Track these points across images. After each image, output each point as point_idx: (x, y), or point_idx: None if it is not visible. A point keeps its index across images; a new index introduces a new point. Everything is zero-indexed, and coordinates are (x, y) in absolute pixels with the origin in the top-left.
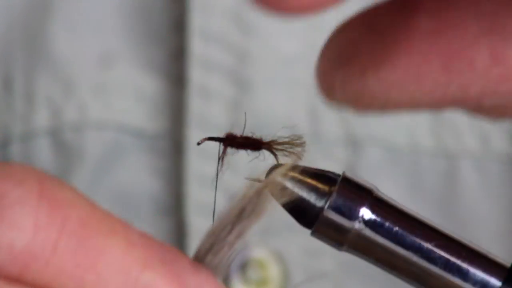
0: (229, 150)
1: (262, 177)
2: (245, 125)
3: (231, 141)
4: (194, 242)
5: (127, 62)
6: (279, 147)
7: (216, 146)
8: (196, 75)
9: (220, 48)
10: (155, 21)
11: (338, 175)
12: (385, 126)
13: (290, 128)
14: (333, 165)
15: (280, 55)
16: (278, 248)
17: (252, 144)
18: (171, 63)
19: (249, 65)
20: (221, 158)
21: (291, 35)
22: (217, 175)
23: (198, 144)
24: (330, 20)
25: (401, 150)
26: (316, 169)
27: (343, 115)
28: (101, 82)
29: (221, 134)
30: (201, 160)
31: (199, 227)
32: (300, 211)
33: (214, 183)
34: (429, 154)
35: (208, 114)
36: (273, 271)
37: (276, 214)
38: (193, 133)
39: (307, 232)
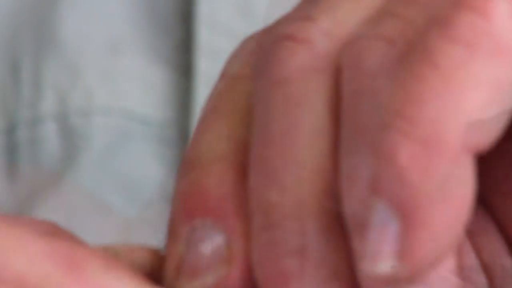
0: None
1: None
2: None
3: None
4: None
5: (134, 51)
6: None
7: None
8: (203, 64)
9: (227, 38)
10: (162, 11)
11: None
12: None
13: None
14: None
15: None
16: None
17: None
18: (178, 53)
19: None
20: None
21: None
22: None
23: None
24: None
25: None
26: None
27: None
28: (109, 68)
29: None
30: None
31: None
32: None
33: None
34: None
35: None
36: None
37: None
38: None
39: None
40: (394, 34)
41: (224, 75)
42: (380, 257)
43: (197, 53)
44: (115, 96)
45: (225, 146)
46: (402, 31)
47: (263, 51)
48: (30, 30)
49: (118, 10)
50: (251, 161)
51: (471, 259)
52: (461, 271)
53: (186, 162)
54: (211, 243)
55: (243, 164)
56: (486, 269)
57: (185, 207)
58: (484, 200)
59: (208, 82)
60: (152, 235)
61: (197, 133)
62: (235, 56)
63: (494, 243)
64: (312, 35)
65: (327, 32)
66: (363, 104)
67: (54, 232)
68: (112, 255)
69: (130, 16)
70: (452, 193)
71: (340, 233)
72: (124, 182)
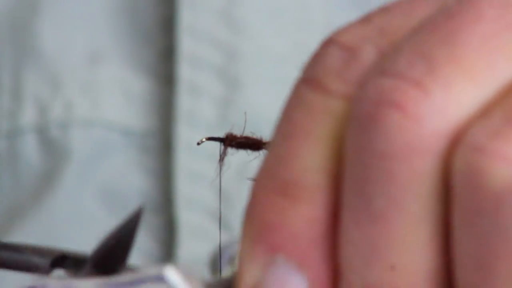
0: (229, 150)
1: None
2: (245, 125)
3: (231, 141)
4: (185, 238)
5: (116, 60)
6: None
7: (206, 144)
8: (185, 72)
9: (209, 46)
10: (144, 20)
11: None
12: None
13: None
14: None
15: (269, 54)
16: None
17: (253, 144)
18: (159, 62)
19: (238, 63)
20: (221, 158)
21: (280, 34)
22: (220, 176)
23: (198, 144)
24: (318, 20)
25: None
26: None
27: None
28: (89, 79)
29: (210, 131)
30: (190, 156)
31: (189, 222)
32: None
33: (213, 182)
34: None
35: (197, 111)
36: None
37: None
38: (182, 130)
39: None
40: None
41: (315, 85)
42: None
43: (179, 61)
44: (95, 107)
45: (319, 178)
46: None
47: (364, 111)
48: (10, 41)
49: (100, 20)
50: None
51: None
52: None
53: (273, 178)
54: (291, 285)
55: (336, 204)
56: None
57: (270, 238)
58: None
59: (190, 90)
60: (135, 246)
61: (288, 148)
62: (319, 63)
63: None
64: (424, 111)
65: (441, 109)
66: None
67: None
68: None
69: (112, 26)
70: None
71: None
72: (106, 192)
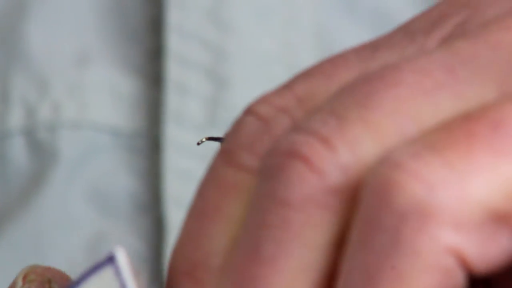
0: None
1: None
2: None
3: None
4: (174, 237)
5: (104, 61)
6: None
7: (194, 142)
8: (173, 72)
9: (197, 46)
10: (132, 20)
11: None
12: None
13: None
14: None
15: (257, 53)
16: None
17: None
18: (147, 62)
19: (226, 63)
20: None
21: (268, 33)
22: None
23: (198, 144)
24: (306, 20)
25: None
26: None
27: None
28: (77, 80)
29: (198, 131)
30: (179, 156)
31: (178, 222)
32: None
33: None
34: None
35: (185, 111)
36: None
37: None
38: (171, 130)
39: None
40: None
41: (227, 159)
42: None
43: (167, 61)
44: (83, 109)
45: (219, 262)
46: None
47: (272, 161)
48: None
49: (87, 20)
50: (230, 269)
51: None
52: None
53: (183, 259)
54: None
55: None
56: None
57: None
58: None
59: (178, 89)
60: (122, 246)
61: (198, 227)
62: (236, 134)
63: None
64: (327, 166)
65: (344, 166)
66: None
67: None
68: None
69: (99, 26)
70: None
71: None
72: (94, 194)
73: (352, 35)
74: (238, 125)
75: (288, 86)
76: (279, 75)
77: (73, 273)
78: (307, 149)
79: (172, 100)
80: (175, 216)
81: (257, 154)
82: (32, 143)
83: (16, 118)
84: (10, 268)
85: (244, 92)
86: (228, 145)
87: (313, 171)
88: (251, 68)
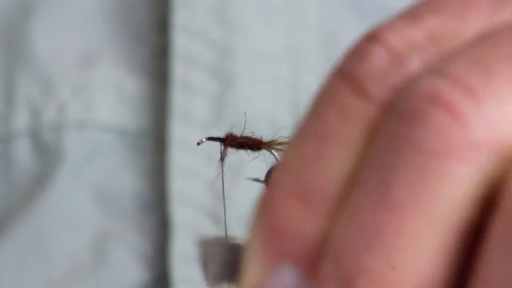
0: (229, 150)
1: (262, 177)
2: (245, 125)
3: (231, 141)
4: (178, 235)
5: (110, 60)
6: (279, 147)
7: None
8: (179, 71)
9: (203, 45)
10: (137, 19)
11: None
12: None
13: (274, 125)
14: None
15: (263, 52)
16: None
17: (252, 144)
18: (153, 61)
19: (232, 62)
20: (221, 158)
21: (274, 32)
22: (222, 175)
23: (198, 144)
24: (312, 19)
25: None
26: None
27: None
28: (82, 81)
29: (204, 129)
30: (184, 154)
31: (183, 220)
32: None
33: (212, 183)
34: None
35: (191, 109)
36: None
37: None
38: (176, 129)
39: None
40: None
41: (355, 87)
42: None
43: (173, 60)
44: (89, 109)
45: (342, 191)
46: None
47: (411, 104)
48: (2, 44)
49: (93, 20)
50: (352, 208)
51: None
52: None
53: (294, 180)
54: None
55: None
56: None
57: (280, 244)
58: None
59: (184, 88)
60: (127, 245)
61: (315, 151)
62: (362, 62)
63: None
64: (473, 119)
65: (490, 122)
66: None
67: None
68: None
69: (105, 26)
70: None
71: None
72: (99, 193)
73: (358, 34)
74: (363, 52)
75: (417, 18)
76: (284, 74)
77: (77, 272)
78: (450, 97)
79: (178, 99)
80: (180, 213)
81: (388, 88)
82: (37, 144)
83: (21, 120)
84: (15, 268)
85: (250, 90)
86: (354, 71)
87: (457, 122)
88: (257, 66)
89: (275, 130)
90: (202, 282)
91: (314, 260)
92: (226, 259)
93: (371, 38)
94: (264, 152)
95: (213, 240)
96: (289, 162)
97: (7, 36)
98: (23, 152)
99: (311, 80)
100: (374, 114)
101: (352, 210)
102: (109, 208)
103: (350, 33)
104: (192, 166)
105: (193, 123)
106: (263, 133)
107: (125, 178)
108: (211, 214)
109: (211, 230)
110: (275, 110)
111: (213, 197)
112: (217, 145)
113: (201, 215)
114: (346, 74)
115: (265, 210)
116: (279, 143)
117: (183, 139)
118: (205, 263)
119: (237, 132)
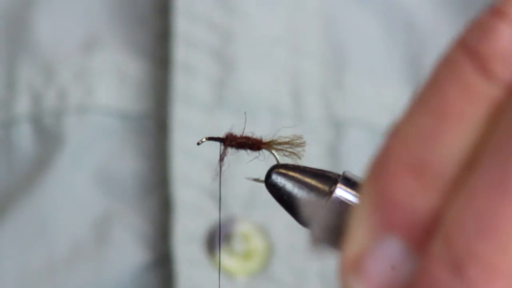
0: (229, 150)
1: (262, 177)
2: (245, 125)
3: (231, 141)
4: (181, 215)
5: (111, 45)
6: (279, 147)
7: (202, 122)
8: (181, 54)
9: (204, 28)
10: (139, 3)
11: (338, 175)
12: (368, 108)
13: (274, 110)
14: (316, 147)
15: (264, 36)
16: (262, 222)
17: (252, 144)
18: (155, 45)
19: (233, 45)
20: (221, 158)
21: (275, 16)
22: (220, 175)
23: (198, 144)
24: (312, 5)
25: (383, 131)
26: (316, 169)
27: (326, 96)
28: (84, 65)
29: (205, 111)
30: (186, 136)
31: (185, 200)
32: (300, 210)
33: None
34: None
35: (192, 91)
36: (257, 244)
37: (260, 189)
38: (178, 111)
39: None
40: None
41: (480, 65)
42: None
43: (175, 43)
44: (90, 93)
45: (461, 170)
46: None
47: None
48: (3, 30)
49: (95, 5)
50: (470, 192)
51: None
52: None
53: (411, 154)
54: (400, 268)
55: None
56: None
57: (391, 215)
58: None
59: (186, 71)
60: (128, 227)
61: (436, 127)
62: (490, 41)
63: None
64: None
65: None
66: None
67: None
68: None
69: (107, 10)
70: None
71: None
72: (101, 176)
73: (359, 22)
74: (489, 28)
75: None
76: (285, 59)
77: (79, 254)
78: None
79: (180, 82)
80: (182, 194)
81: None
82: (38, 129)
83: (22, 105)
84: (17, 250)
85: (251, 73)
86: (479, 48)
87: None
88: (258, 50)
89: (275, 115)
90: (305, 245)
91: (423, 236)
92: (330, 221)
93: (498, 12)
94: (264, 152)
95: (317, 201)
96: (405, 134)
97: (9, 22)
98: (24, 137)
99: (311, 66)
100: (497, 95)
101: (469, 193)
102: (111, 191)
103: (350, 18)
104: (193, 148)
105: (195, 105)
106: (263, 118)
107: (127, 161)
108: (213, 194)
109: (213, 211)
110: (275, 95)
111: (215, 178)
112: (220, 128)
113: (203, 196)
114: (470, 49)
115: (378, 178)
116: (279, 143)
117: (185, 121)
118: (308, 225)
119: (237, 132)
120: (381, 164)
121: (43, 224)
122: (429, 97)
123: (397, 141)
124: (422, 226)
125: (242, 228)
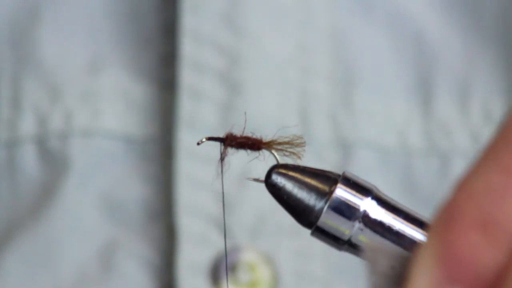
0: (229, 150)
1: (262, 177)
2: (245, 125)
3: (232, 141)
4: (185, 244)
5: (117, 67)
6: (279, 147)
7: (208, 148)
8: (187, 77)
9: (211, 50)
10: (145, 25)
11: (338, 175)
12: (375, 128)
13: (283, 130)
14: (324, 168)
15: (271, 57)
16: (267, 251)
17: (252, 144)
18: (161, 67)
19: (241, 67)
20: (221, 158)
21: (282, 37)
22: (222, 174)
23: (198, 144)
24: (322, 22)
25: (392, 152)
26: (316, 169)
27: (334, 117)
28: (89, 88)
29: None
30: (191, 162)
31: (190, 229)
32: (300, 211)
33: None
34: (420, 154)
35: (199, 116)
36: (263, 274)
37: (266, 217)
38: (184, 135)
39: (297, 234)
40: None
41: None
42: None
43: (181, 66)
44: (95, 116)
45: None
46: None
47: None
48: (10, 49)
49: (100, 27)
50: None
51: None
52: None
53: (479, 210)
54: None
55: None
56: None
57: (456, 269)
58: None
59: (192, 95)
60: (134, 254)
61: (506, 185)
62: None
63: None
64: None
65: None
66: None
67: None
68: None
69: (113, 31)
70: None
71: None
72: (106, 202)
73: (369, 38)
74: None
75: None
76: (293, 79)
77: (85, 282)
78: None
79: (185, 106)
80: (187, 222)
81: None
82: (43, 152)
83: (27, 125)
84: (22, 278)
85: (258, 96)
86: None
87: None
88: (265, 72)
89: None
90: None
91: None
92: (390, 269)
93: None
94: (264, 152)
95: (379, 248)
96: (474, 189)
97: (15, 42)
98: (29, 159)
99: (320, 85)
100: None
101: None
102: (116, 217)
103: (361, 37)
104: (199, 174)
105: (201, 130)
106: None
107: (132, 187)
108: (218, 223)
109: (218, 240)
110: (283, 116)
111: (221, 206)
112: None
113: (208, 225)
114: None
115: (444, 231)
116: (279, 143)
117: (190, 147)
118: (369, 271)
119: (237, 132)
120: (448, 216)
121: (48, 251)
122: (500, 152)
123: (465, 195)
124: (486, 281)
125: (248, 257)
